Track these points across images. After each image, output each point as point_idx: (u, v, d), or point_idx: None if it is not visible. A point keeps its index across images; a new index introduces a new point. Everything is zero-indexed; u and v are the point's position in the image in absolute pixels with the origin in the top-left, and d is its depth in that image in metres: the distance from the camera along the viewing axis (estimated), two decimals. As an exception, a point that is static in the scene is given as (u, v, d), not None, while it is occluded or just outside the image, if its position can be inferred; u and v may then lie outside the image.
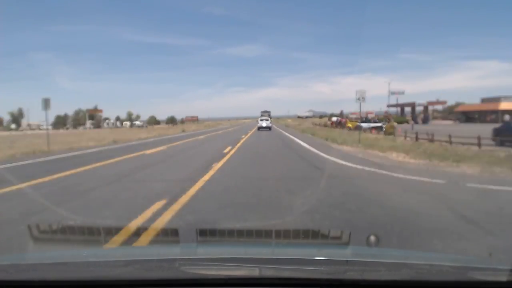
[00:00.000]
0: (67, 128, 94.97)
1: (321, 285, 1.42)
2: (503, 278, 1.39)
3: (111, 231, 3.72)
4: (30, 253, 3.05)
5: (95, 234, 3.32)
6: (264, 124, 38.46)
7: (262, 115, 41.34)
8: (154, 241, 3.65)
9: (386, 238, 3.63)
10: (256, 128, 40.29)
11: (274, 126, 41.96)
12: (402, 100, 71.51)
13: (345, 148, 15.95)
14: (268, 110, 43.86)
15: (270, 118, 40.97)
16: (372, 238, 2.11)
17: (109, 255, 2.10)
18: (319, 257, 1.78)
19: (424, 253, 2.89)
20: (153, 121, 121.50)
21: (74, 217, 4.83)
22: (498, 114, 46.47)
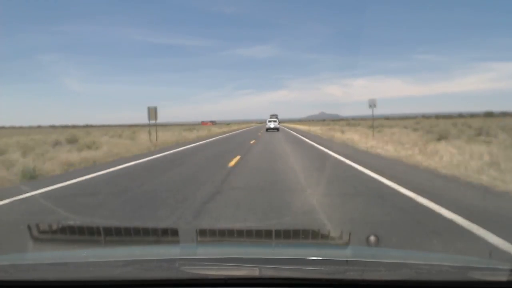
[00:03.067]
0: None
1: (321, 285, 1.42)
2: (503, 278, 1.39)
3: (111, 231, 3.71)
4: (30, 253, 3.04)
5: (95, 234, 3.31)
6: (272, 125, 39.73)
7: (271, 117, 43.38)
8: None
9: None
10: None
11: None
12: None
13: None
14: (276, 113, 45.99)
15: (278, 120, 42.82)
16: (372, 238, 2.11)
17: (109, 255, 2.09)
18: (319, 257, 1.78)
19: (424, 253, 2.88)
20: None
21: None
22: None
